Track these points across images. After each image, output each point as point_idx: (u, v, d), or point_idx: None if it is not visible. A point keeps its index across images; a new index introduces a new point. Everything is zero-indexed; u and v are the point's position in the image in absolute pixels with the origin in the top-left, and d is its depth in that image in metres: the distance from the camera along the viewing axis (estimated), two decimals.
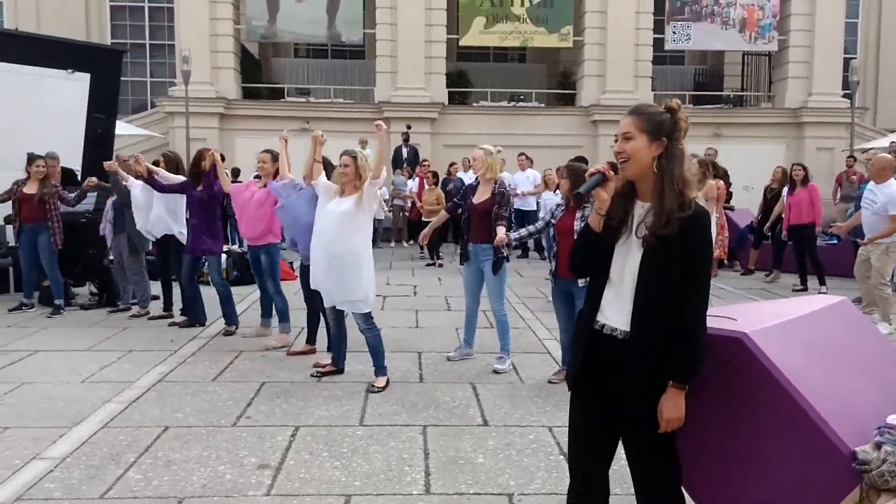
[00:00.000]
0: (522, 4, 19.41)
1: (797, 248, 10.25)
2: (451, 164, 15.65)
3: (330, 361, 5.84)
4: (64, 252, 8.35)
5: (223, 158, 8.56)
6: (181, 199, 7.48)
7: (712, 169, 9.06)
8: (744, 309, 3.33)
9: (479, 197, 5.97)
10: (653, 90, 19.96)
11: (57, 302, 8.09)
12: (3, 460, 4.03)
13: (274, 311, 6.93)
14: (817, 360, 2.77)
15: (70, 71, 9.82)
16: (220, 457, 4.14)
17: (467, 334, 6.28)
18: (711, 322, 2.81)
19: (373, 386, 5.40)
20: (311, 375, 5.72)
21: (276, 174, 6.44)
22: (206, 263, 7.61)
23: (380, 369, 5.49)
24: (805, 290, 10.00)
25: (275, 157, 6.52)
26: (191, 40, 18.30)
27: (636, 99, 19.35)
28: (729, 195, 14.97)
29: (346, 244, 5.25)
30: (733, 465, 2.71)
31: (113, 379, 5.61)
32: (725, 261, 12.13)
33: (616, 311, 2.53)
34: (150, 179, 7.28)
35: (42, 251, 8.02)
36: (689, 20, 19.89)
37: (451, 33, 19.49)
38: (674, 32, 19.84)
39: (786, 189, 10.51)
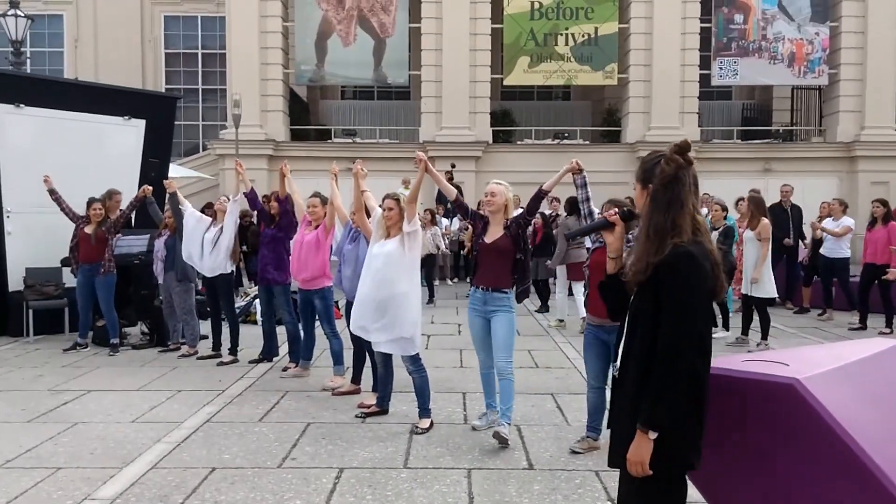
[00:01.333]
0: (567, 43, 19.55)
1: (862, 283, 10.02)
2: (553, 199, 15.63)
3: (374, 402, 5.84)
4: (116, 293, 8.57)
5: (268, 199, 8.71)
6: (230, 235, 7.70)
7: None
8: (797, 353, 3.24)
9: (492, 235, 5.19)
10: (699, 126, 19.82)
11: (113, 341, 8.29)
12: (54, 500, 4.10)
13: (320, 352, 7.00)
14: (877, 406, 2.67)
15: (127, 117, 10.16)
16: (266, 499, 4.15)
17: (488, 397, 5.47)
18: (761, 368, 2.75)
19: (417, 427, 5.37)
20: (356, 416, 5.72)
21: (324, 216, 6.60)
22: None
23: (424, 411, 5.47)
24: (863, 328, 9.70)
25: (324, 201, 6.65)
26: (242, 85, 18.84)
27: (682, 135, 19.20)
28: None
29: (393, 286, 5.26)
30: None
31: (162, 419, 5.69)
32: (777, 299, 11.86)
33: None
34: (251, 194, 7.55)
35: (100, 291, 8.25)
36: (736, 56, 19.76)
37: (495, 73, 19.69)
38: (720, 68, 19.72)
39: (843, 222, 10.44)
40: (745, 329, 8.85)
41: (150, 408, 6.00)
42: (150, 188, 8.61)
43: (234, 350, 7.76)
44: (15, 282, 9.20)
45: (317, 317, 6.92)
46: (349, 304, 6.21)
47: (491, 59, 19.62)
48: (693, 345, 2.34)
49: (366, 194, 5.94)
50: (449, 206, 16.44)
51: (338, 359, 6.75)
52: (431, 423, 5.45)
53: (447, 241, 15.56)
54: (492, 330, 5.17)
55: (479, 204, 5.69)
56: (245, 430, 5.43)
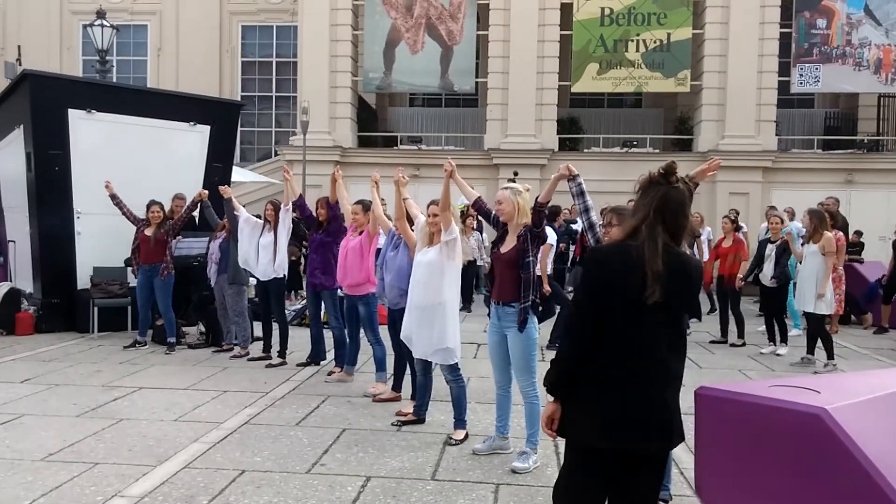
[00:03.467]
0: (637, 50, 19.18)
1: None
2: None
3: (412, 411, 5.80)
4: (175, 293, 8.81)
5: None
6: (284, 240, 7.81)
7: (830, 219, 8.47)
8: (834, 379, 3.04)
9: (506, 244, 4.86)
10: (777, 135, 19.13)
11: (170, 340, 8.51)
12: (87, 496, 4.19)
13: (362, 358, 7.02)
14: None
15: (192, 123, 10.46)
16: None
17: (500, 420, 5.12)
18: (789, 395, 2.58)
19: (451, 438, 5.30)
20: (392, 424, 5.68)
21: (367, 223, 6.62)
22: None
23: (460, 422, 5.40)
24: None
25: (366, 208, 6.67)
26: (311, 92, 19.20)
27: (758, 144, 18.60)
28: (860, 245, 14.03)
29: (433, 294, 5.23)
30: None
31: (203, 419, 5.78)
32: (852, 317, 11.34)
33: None
34: (299, 201, 7.71)
35: (158, 291, 8.50)
36: (818, 62, 19.02)
37: (563, 80, 19.47)
38: (800, 75, 19.01)
39: None
40: (810, 348, 8.43)
41: (193, 407, 6.11)
42: (206, 192, 8.83)
43: (282, 353, 7.85)
44: (83, 280, 9.57)
45: (361, 323, 6.93)
46: (391, 312, 6.22)
47: (559, 66, 19.41)
48: (567, 329, 2.69)
49: (408, 202, 5.91)
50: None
51: (380, 365, 6.74)
52: (466, 435, 5.36)
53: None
54: (510, 348, 4.83)
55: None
56: (280, 433, 5.46)
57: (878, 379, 3.00)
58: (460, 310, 10.17)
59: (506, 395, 5.07)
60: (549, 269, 9.00)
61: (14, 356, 8.12)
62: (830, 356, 8.07)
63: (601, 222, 4.43)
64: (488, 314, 5.29)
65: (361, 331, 7.03)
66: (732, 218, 10.08)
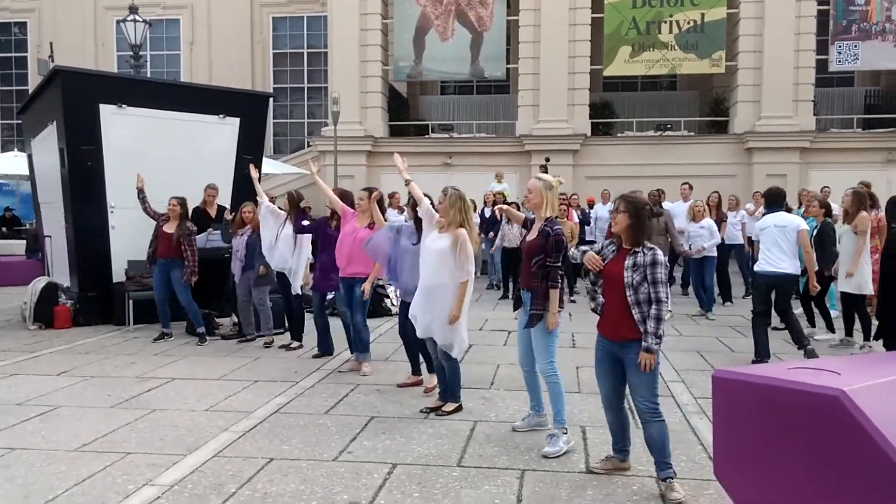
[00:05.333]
0: (671, 31, 18.90)
1: None
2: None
3: (438, 389, 5.87)
4: (209, 285, 8.91)
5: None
6: (306, 239, 7.86)
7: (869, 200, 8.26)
8: (856, 360, 2.95)
9: (532, 234, 4.96)
10: (815, 114, 18.71)
11: (199, 330, 8.61)
12: (119, 485, 4.27)
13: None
14: None
15: (222, 116, 10.54)
16: (315, 492, 4.17)
17: (533, 399, 5.27)
18: (808, 377, 2.52)
19: (439, 409, 5.61)
20: (421, 411, 5.70)
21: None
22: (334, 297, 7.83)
23: (452, 396, 5.61)
24: None
25: (370, 194, 6.70)
26: (342, 82, 19.26)
27: (795, 125, 18.21)
28: None
29: (441, 280, 5.36)
30: None
31: (234, 408, 5.85)
32: None
33: None
34: (297, 216, 7.76)
35: (177, 285, 8.58)
36: (857, 39, 18.56)
37: (595, 63, 19.26)
38: (839, 53, 18.58)
39: None
40: (849, 329, 8.25)
41: (224, 397, 6.19)
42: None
43: (298, 337, 8.11)
44: (118, 274, 9.73)
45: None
46: (403, 304, 6.28)
47: (591, 50, 19.20)
48: None
49: (411, 185, 5.93)
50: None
51: (364, 347, 6.95)
52: (456, 409, 5.58)
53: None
54: (532, 331, 4.92)
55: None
56: (309, 421, 5.50)
57: None
58: (500, 298, 10.06)
59: (532, 374, 5.18)
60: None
61: (52, 349, 8.30)
62: (867, 336, 7.90)
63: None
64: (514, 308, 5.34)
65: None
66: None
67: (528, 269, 4.86)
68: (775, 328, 9.32)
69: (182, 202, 8.71)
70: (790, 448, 2.38)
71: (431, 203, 5.71)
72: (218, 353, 8.03)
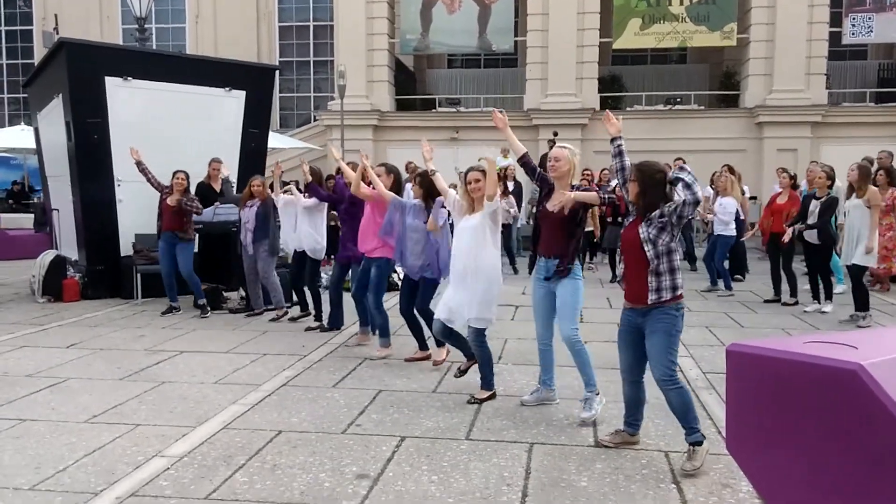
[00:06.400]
0: (681, 3, 18.65)
1: None
2: (603, 170, 15.19)
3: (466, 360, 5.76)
4: (216, 258, 8.91)
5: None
6: (321, 214, 7.80)
7: (886, 176, 8.19)
8: (873, 334, 2.91)
9: (554, 202, 4.92)
10: (827, 88, 18.48)
11: (200, 302, 8.64)
12: (129, 456, 4.28)
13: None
14: None
15: (228, 89, 10.47)
16: (324, 464, 4.17)
17: (544, 373, 5.23)
18: (825, 351, 2.48)
19: (472, 397, 5.35)
20: (455, 376, 5.68)
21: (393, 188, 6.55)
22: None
23: (486, 383, 5.42)
24: None
25: (389, 171, 6.61)
26: (348, 56, 19.10)
27: (807, 98, 18.00)
28: None
29: (476, 259, 5.21)
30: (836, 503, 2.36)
31: (242, 381, 5.85)
32: None
33: None
34: (311, 187, 7.71)
35: (180, 256, 8.61)
36: (871, 11, 18.28)
37: (605, 37, 19.04)
38: (853, 25, 18.31)
39: None
40: (859, 304, 8.20)
41: (233, 370, 6.20)
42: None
43: (319, 316, 7.90)
44: (126, 247, 9.74)
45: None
46: (409, 280, 6.28)
47: (600, 23, 18.96)
48: None
49: (436, 175, 5.87)
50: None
51: (383, 332, 6.71)
52: (491, 395, 5.37)
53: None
54: (557, 296, 4.92)
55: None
56: (318, 394, 5.50)
57: None
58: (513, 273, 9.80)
59: (548, 349, 5.16)
60: None
61: (61, 322, 8.33)
62: (865, 307, 7.88)
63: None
64: (529, 272, 5.31)
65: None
66: (792, 174, 9.74)
67: (554, 237, 4.87)
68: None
69: (188, 176, 8.70)
70: (806, 423, 2.35)
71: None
72: (226, 327, 8.04)
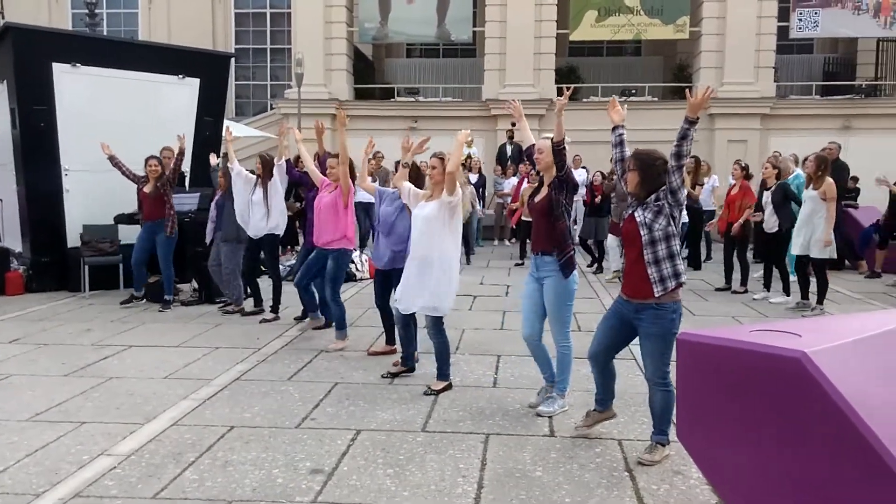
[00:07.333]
0: None
1: None
2: (575, 156, 15.22)
3: (401, 362, 5.78)
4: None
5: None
6: (278, 196, 7.67)
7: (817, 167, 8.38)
8: (815, 324, 2.97)
9: (540, 195, 4.84)
10: (776, 81, 18.82)
11: (167, 297, 8.44)
12: (73, 455, 4.16)
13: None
14: (891, 383, 2.39)
15: (181, 76, 10.24)
16: (277, 459, 4.11)
17: (544, 370, 5.02)
18: (770, 339, 2.51)
19: (429, 388, 5.32)
20: (383, 377, 5.66)
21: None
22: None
23: (442, 374, 5.41)
24: None
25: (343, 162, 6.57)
26: (305, 44, 18.84)
27: (756, 91, 18.30)
28: (856, 191, 13.91)
29: (432, 248, 5.19)
30: (783, 488, 2.40)
31: (194, 376, 5.74)
32: (846, 262, 11.34)
33: None
34: (288, 166, 7.63)
35: (160, 248, 8.41)
36: (817, 6, 18.59)
37: (562, 28, 19.10)
38: (800, 20, 18.59)
39: None
40: (805, 292, 8.39)
41: (184, 364, 6.07)
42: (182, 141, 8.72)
43: (275, 308, 7.79)
44: (73, 239, 9.47)
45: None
46: (382, 271, 6.17)
47: (557, 14, 19.01)
48: None
49: (403, 171, 5.83)
50: (512, 165, 16.17)
51: (339, 324, 6.65)
52: (447, 386, 5.36)
53: (498, 202, 15.35)
54: (545, 300, 4.78)
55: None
56: (271, 388, 5.42)
57: (862, 322, 2.92)
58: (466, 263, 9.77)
59: (538, 347, 4.96)
60: None
61: (3, 316, 8.06)
62: (821, 300, 8.06)
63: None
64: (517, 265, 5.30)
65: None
66: (744, 165, 9.92)
67: (542, 231, 4.77)
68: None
69: (161, 161, 8.50)
70: (752, 410, 2.39)
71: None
72: (178, 320, 7.88)
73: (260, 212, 7.59)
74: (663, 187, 3.97)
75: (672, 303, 3.95)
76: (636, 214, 4.03)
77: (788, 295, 8.78)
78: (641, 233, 3.96)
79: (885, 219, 10.87)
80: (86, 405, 5.04)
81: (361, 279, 10.48)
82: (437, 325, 5.30)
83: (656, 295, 3.92)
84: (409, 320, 5.59)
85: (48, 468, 3.97)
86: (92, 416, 4.81)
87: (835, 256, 8.21)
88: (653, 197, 4.00)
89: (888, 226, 10.77)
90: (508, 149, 16.87)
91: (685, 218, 10.48)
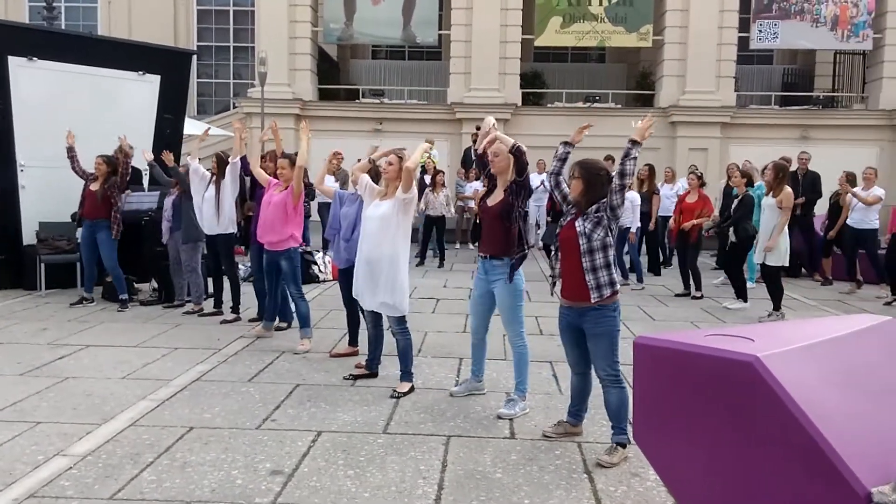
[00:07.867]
0: (601, 3, 19.00)
1: (889, 255, 9.71)
2: (539, 160, 15.32)
3: (364, 364, 5.77)
4: (127, 249, 8.60)
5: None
6: (229, 200, 7.60)
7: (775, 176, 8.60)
8: (769, 329, 3.05)
9: (494, 198, 4.89)
10: (736, 90, 19.20)
11: (122, 297, 8.29)
12: (27, 456, 4.09)
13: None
14: (842, 388, 2.48)
15: (141, 73, 10.10)
16: (236, 460, 4.09)
17: (475, 364, 5.28)
18: (723, 343, 2.58)
19: (395, 391, 5.31)
20: (344, 378, 5.65)
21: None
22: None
23: (406, 374, 5.42)
24: None
25: (292, 162, 6.56)
26: (269, 43, 18.70)
27: (717, 100, 18.66)
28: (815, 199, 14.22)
29: (383, 248, 5.19)
30: (736, 495, 2.46)
31: (153, 376, 5.67)
32: (803, 270, 11.62)
33: None
34: (243, 163, 7.59)
35: (102, 247, 8.25)
36: (777, 18, 19.02)
37: (527, 33, 19.25)
38: (760, 31, 19.01)
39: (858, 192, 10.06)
40: (777, 304, 8.56)
41: (143, 364, 6.00)
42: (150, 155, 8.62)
43: (236, 308, 7.73)
44: (29, 236, 9.28)
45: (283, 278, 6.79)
46: (342, 271, 6.16)
47: (523, 20, 19.15)
48: None
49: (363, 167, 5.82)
50: (475, 169, 16.21)
51: (304, 321, 6.62)
52: (412, 388, 5.37)
53: (459, 204, 15.35)
54: (497, 300, 4.92)
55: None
56: (232, 389, 5.38)
57: (814, 327, 3.02)
58: (437, 267, 10.07)
59: (481, 344, 5.23)
60: None
61: None
62: (777, 307, 8.24)
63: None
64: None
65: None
66: (699, 174, 10.10)
67: (495, 235, 4.84)
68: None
69: (108, 160, 8.35)
70: (706, 413, 2.44)
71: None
72: (137, 320, 7.77)
73: (211, 209, 7.54)
74: (604, 200, 4.11)
75: (612, 303, 4.14)
76: (577, 223, 4.16)
77: (746, 301, 8.96)
78: (580, 242, 4.11)
79: (825, 227, 11.17)
80: (41, 405, 4.95)
81: (325, 280, 10.44)
82: (400, 323, 5.34)
83: (592, 301, 4.09)
84: (379, 320, 5.60)
85: (2, 469, 3.90)
86: (48, 416, 4.72)
87: (786, 263, 8.40)
88: (594, 208, 4.14)
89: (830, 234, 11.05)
90: (473, 152, 16.92)
91: (639, 222, 10.68)
